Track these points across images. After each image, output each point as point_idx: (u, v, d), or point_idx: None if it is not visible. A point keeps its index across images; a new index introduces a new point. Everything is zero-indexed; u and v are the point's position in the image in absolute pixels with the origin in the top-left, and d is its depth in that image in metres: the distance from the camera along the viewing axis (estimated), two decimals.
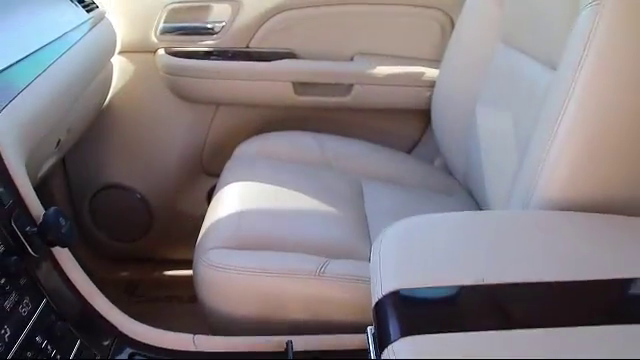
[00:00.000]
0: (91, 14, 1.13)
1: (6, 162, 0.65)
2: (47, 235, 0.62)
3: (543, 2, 0.82)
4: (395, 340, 0.45)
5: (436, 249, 0.56)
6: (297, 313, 0.75)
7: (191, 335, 0.73)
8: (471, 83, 1.03)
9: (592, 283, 0.51)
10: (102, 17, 1.19)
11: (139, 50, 1.28)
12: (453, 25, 1.20)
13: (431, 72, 1.23)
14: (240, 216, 0.88)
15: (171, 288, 1.37)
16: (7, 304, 0.56)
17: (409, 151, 1.37)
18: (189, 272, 1.22)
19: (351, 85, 1.26)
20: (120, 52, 1.28)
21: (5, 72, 0.76)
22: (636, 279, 0.51)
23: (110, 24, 1.22)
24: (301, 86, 1.27)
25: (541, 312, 0.48)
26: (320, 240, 0.84)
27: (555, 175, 0.64)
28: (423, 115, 1.27)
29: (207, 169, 1.39)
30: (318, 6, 1.25)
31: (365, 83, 1.26)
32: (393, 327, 0.46)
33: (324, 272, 0.75)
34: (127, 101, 1.32)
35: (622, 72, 0.61)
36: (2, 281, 0.56)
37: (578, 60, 0.62)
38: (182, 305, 1.31)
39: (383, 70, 1.25)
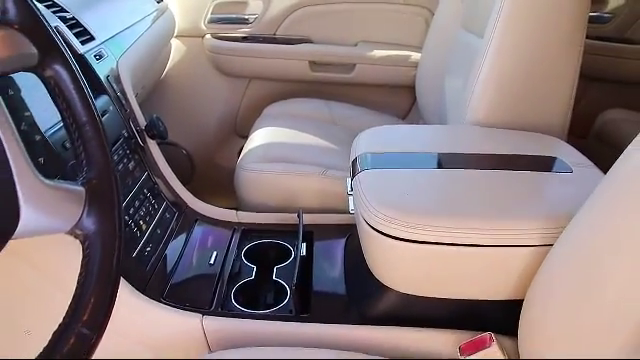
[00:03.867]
0: (159, 4, 1.50)
1: (125, 87, 1.01)
2: (151, 130, 0.98)
3: None
4: (360, 172, 0.79)
5: (393, 138, 0.90)
6: (306, 201, 1.09)
7: (235, 211, 1.08)
8: (442, 62, 1.35)
9: (488, 155, 0.84)
10: (166, 8, 1.56)
11: (191, 35, 1.65)
12: None
13: (416, 55, 1.57)
14: (268, 145, 1.24)
15: None
16: (130, 166, 0.92)
17: (402, 119, 1.71)
18: None
19: (354, 65, 1.61)
20: (176, 36, 1.65)
21: (115, 37, 1.13)
22: (512, 154, 0.84)
23: (172, 14, 1.59)
24: (315, 65, 1.63)
25: (456, 163, 0.82)
26: (324, 160, 1.18)
27: (479, 103, 0.97)
28: (412, 91, 1.60)
29: (239, 131, 1.74)
30: (330, 4, 1.61)
31: (365, 63, 1.61)
32: (359, 166, 0.80)
33: (326, 174, 1.10)
34: (179, 75, 1.68)
35: (519, 34, 0.94)
36: (127, 152, 0.92)
37: (493, 26, 0.96)
38: None
39: (379, 53, 1.60)
